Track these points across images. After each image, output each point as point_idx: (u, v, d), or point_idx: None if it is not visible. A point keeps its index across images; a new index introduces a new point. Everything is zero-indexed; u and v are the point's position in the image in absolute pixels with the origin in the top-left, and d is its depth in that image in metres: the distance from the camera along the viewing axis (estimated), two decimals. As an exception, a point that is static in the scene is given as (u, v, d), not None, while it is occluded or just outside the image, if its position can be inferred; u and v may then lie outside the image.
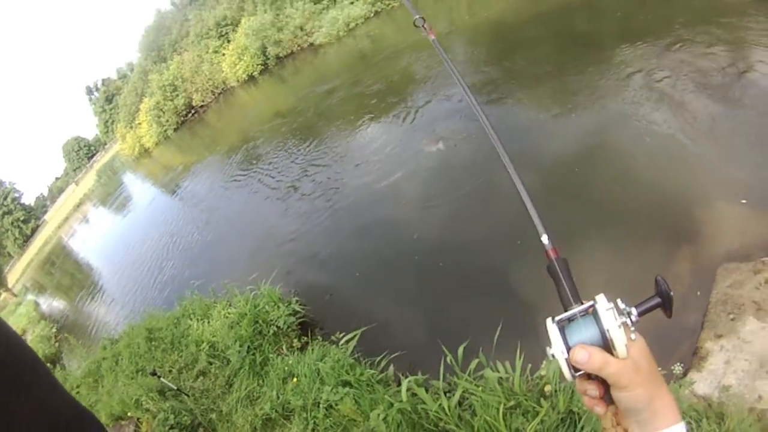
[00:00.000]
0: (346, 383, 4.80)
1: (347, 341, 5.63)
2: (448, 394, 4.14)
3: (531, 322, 4.73)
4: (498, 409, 3.60)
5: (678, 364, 3.95)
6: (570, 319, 0.90)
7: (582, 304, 0.90)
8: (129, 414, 6.87)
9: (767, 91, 6.25)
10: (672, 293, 0.83)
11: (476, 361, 4.22)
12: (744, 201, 5.08)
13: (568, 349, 0.85)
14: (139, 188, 39.83)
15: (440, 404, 3.99)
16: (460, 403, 4.06)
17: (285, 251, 9.82)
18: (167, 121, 47.89)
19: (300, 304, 7.02)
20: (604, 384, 0.87)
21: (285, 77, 31.65)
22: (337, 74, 21.94)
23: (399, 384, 4.52)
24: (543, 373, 3.85)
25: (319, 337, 6.20)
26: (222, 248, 13.17)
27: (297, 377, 5.32)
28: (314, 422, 4.76)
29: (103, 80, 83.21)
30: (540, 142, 7.57)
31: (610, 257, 5.21)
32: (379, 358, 5.26)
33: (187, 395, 6.41)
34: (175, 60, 47.48)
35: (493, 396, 3.75)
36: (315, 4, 33.98)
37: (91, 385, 9.66)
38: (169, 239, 17.47)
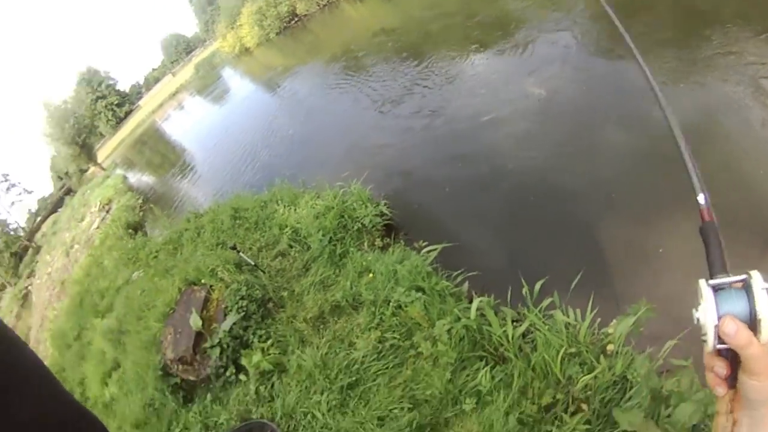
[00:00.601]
0: (419, 288, 4.97)
1: (429, 251, 5.73)
2: (515, 323, 4.20)
3: (609, 279, 4.71)
4: (558, 351, 3.66)
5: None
6: (718, 288, 0.84)
7: (729, 275, 0.84)
8: (202, 281, 7.32)
9: None
10: None
11: (549, 299, 4.22)
12: None
13: (718, 317, 0.81)
14: (238, 83, 40.61)
15: (505, 330, 4.09)
16: (524, 336, 4.13)
17: (379, 159, 9.99)
18: (269, 25, 47.84)
19: (388, 208, 7.22)
20: (733, 365, 0.82)
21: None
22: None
23: (470, 302, 4.60)
24: (610, 331, 3.80)
25: (401, 242, 6.41)
26: (316, 146, 13.51)
27: (373, 273, 5.53)
28: (381, 318, 5.01)
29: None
30: (645, 106, 7.17)
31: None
32: (455, 273, 5.39)
33: (263, 272, 6.76)
34: (281, -33, 47.00)
35: (557, 337, 3.79)
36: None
37: (170, 252, 10.32)
38: (264, 131, 17.94)
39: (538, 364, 3.73)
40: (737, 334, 0.77)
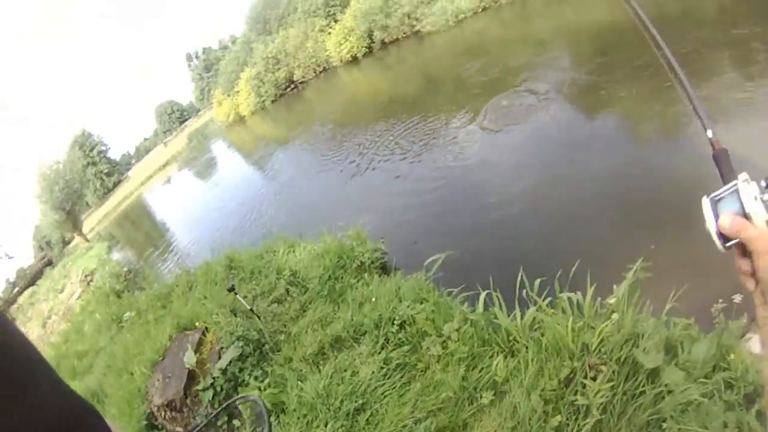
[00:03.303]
0: (423, 300, 5.21)
1: (432, 260, 5.96)
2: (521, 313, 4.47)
3: (601, 263, 5.05)
4: (567, 326, 3.90)
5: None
6: (718, 198, 1.01)
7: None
8: (197, 324, 7.36)
9: None
10: None
11: (550, 296, 4.48)
12: None
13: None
14: (229, 155, 41.56)
15: (513, 320, 4.36)
16: (531, 327, 4.36)
17: (371, 214, 10.34)
18: (266, 92, 49.87)
19: (384, 246, 7.58)
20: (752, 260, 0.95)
21: (388, 63, 32.28)
22: (440, 64, 22.54)
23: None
24: (611, 301, 4.06)
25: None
26: (306, 213, 13.67)
27: (376, 298, 5.72)
28: (386, 337, 5.16)
29: (204, 49, 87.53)
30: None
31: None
32: (457, 289, 5.57)
33: (259, 317, 6.79)
34: (281, 34, 49.34)
35: (563, 317, 4.07)
36: (426, -8, 34.61)
37: (157, 308, 10.25)
38: (252, 206, 17.97)
39: (550, 344, 3.95)
40: (732, 223, 0.94)
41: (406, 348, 4.94)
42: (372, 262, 7.07)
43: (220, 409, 4.69)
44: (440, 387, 4.34)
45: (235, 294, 6.57)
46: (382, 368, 4.90)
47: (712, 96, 7.66)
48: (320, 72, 45.51)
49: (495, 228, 7.52)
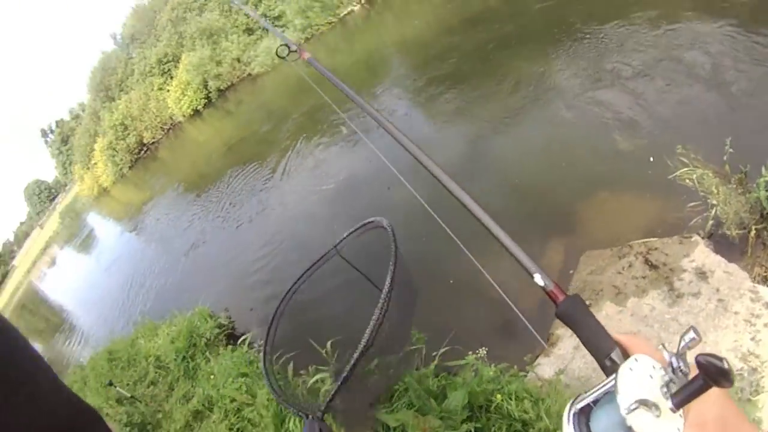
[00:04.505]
0: (243, 374, 6.26)
1: (242, 342, 7.13)
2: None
3: None
4: None
5: (529, 355, 4.19)
6: (594, 402, 0.65)
7: (615, 349, 0.69)
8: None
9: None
10: (725, 365, 0.53)
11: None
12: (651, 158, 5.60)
13: None
14: (102, 228, 40.22)
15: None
16: None
17: (224, 275, 11.35)
18: (121, 159, 48.54)
19: (228, 319, 8.56)
20: None
21: (229, 109, 32.81)
22: (276, 102, 23.73)
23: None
24: None
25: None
26: (179, 278, 14.48)
27: (214, 375, 6.73)
28: (225, 409, 6.12)
29: (57, 122, 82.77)
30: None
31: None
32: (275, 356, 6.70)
33: (139, 401, 7.77)
34: (123, 99, 48.30)
35: None
36: (249, 35, 35.55)
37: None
38: (131, 274, 18.48)
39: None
40: None
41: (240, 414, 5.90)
42: (216, 337, 8.05)
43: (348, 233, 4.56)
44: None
45: (115, 387, 7.52)
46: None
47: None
48: (168, 130, 45.13)
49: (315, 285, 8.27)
